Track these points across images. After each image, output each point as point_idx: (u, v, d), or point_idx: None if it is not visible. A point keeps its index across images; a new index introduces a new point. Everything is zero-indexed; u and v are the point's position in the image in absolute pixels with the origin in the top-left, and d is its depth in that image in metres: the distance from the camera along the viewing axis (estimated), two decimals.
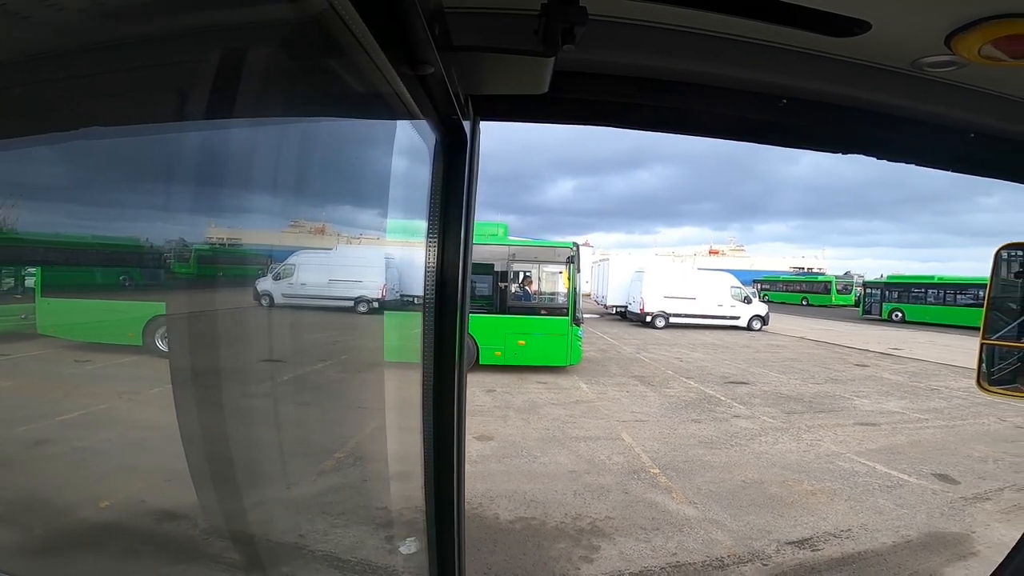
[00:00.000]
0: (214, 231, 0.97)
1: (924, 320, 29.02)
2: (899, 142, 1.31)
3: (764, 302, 27.87)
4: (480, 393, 10.34)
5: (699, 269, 32.40)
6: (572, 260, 12.42)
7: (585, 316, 13.74)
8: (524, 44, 0.92)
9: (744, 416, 9.60)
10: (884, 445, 7.97)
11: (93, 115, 0.81)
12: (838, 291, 42.39)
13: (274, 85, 0.90)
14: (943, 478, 6.60)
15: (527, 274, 12.71)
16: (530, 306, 12.50)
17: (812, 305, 42.18)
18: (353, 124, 1.20)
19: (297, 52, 0.84)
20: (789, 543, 4.90)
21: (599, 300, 30.31)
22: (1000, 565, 1.77)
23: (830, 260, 70.21)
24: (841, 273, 48.38)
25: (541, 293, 12.68)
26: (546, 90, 1.04)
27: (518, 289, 12.65)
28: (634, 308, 25.79)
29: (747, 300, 25.70)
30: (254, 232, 1.09)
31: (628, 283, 26.96)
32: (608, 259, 29.89)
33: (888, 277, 35.01)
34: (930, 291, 30.02)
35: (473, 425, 6.92)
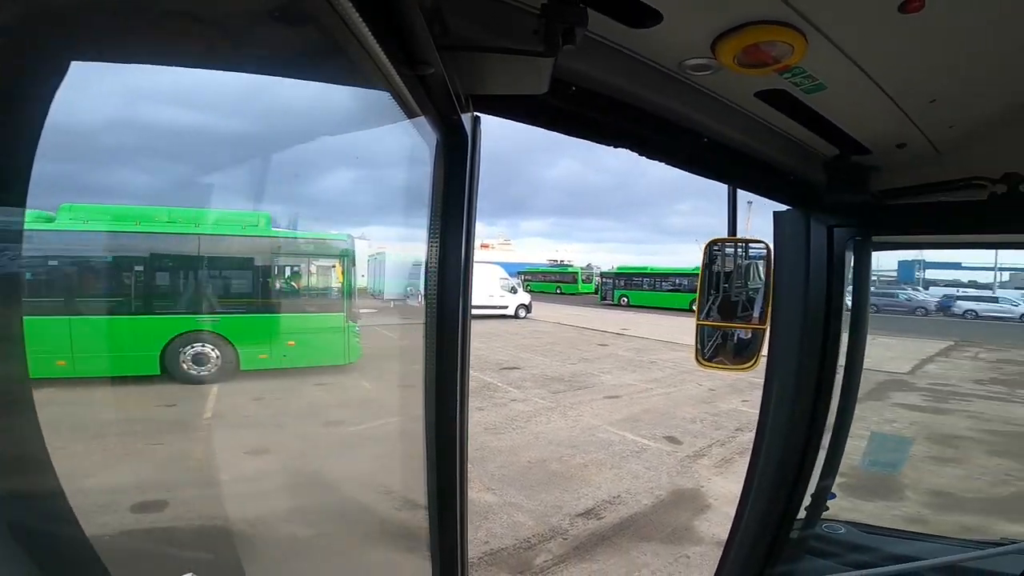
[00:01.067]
0: None
1: (643, 304, 35.45)
2: (655, 140, 1.36)
3: (527, 292, 30.83)
4: (247, 402, 8.79)
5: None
6: (346, 253, 11.60)
7: (363, 311, 13.03)
8: (524, 44, 0.91)
9: (520, 400, 10.33)
10: (627, 415, 9.47)
11: None
12: (583, 280, 49.42)
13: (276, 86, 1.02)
14: (671, 440, 8.12)
15: (295, 269, 11.44)
16: (299, 303, 11.29)
17: (564, 293, 48.12)
18: (351, 125, 1.27)
19: (297, 54, 0.90)
20: (579, 515, 5.39)
21: (376, 294, 29.38)
22: (734, 520, 2.08)
23: (577, 253, 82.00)
24: (584, 265, 56.88)
25: (311, 289, 11.55)
26: (546, 90, 1.03)
27: (284, 285, 11.27)
28: (412, 301, 25.74)
29: (514, 290, 28.07)
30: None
31: (405, 276, 26.76)
32: (385, 252, 29.14)
33: (617, 268, 42.21)
34: (645, 280, 37.10)
35: (243, 440, 5.86)
